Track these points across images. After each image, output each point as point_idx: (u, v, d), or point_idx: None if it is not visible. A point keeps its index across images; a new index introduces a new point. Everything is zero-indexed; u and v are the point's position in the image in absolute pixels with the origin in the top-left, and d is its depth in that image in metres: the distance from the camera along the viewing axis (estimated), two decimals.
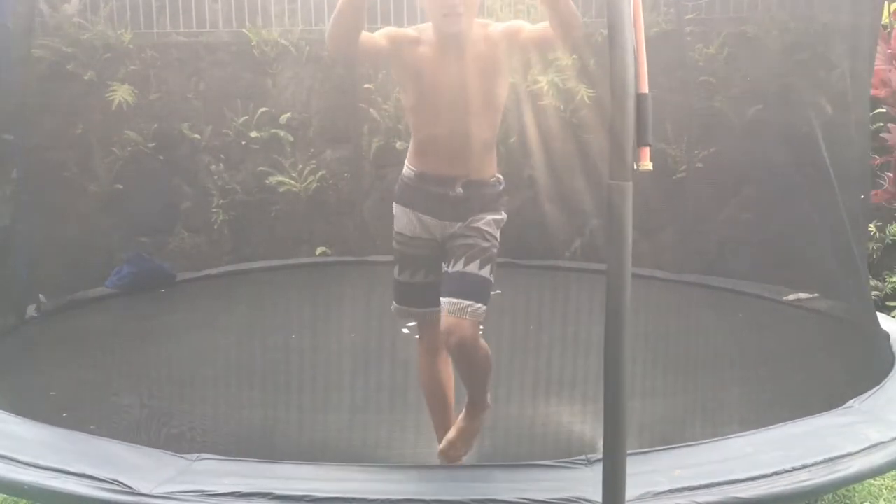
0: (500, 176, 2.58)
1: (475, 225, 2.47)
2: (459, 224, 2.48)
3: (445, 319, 2.38)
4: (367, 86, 6.05)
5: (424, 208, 2.52)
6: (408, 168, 2.57)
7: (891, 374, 2.99)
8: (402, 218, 2.58)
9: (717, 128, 5.66)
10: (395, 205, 2.63)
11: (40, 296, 4.54)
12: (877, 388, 2.86)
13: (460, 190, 2.47)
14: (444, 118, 2.43)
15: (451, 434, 2.59)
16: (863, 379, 2.95)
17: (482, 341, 2.46)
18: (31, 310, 4.43)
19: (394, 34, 2.45)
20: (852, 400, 2.75)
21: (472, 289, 2.39)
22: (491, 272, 2.44)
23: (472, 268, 2.41)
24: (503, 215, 2.55)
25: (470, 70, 2.40)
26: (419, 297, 2.59)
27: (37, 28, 5.24)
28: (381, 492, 2.15)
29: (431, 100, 2.44)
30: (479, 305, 2.38)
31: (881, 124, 4.97)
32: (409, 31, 2.49)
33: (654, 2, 5.87)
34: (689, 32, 5.70)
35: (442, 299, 2.41)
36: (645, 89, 1.80)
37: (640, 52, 1.81)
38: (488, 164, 2.53)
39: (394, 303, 2.66)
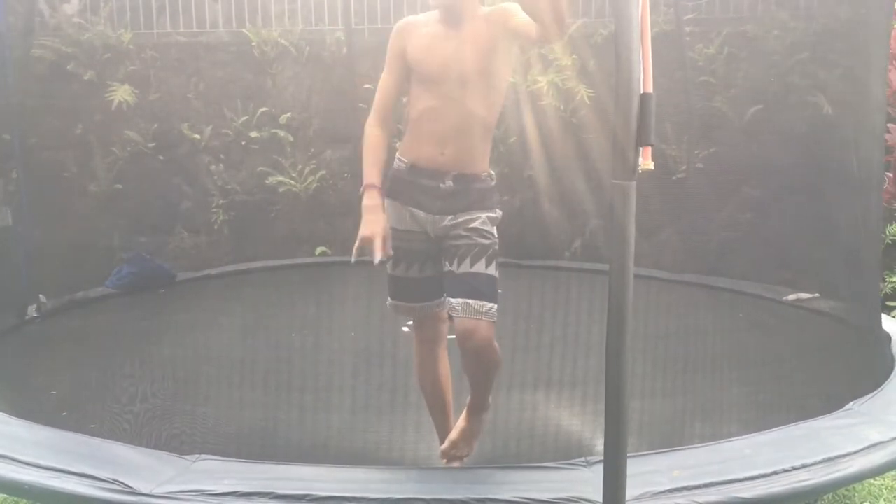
0: (492, 172, 2.55)
1: (471, 226, 2.44)
2: (449, 218, 2.45)
3: (463, 322, 2.35)
4: (367, 86, 6.04)
5: (414, 201, 2.49)
6: (399, 160, 2.54)
7: (890, 377, 2.98)
8: (393, 211, 2.54)
9: (717, 128, 5.66)
10: (385, 199, 2.57)
11: (40, 296, 4.54)
12: (876, 391, 2.85)
13: (450, 183, 2.44)
14: (444, 96, 2.41)
15: (454, 434, 2.58)
16: (862, 381, 2.94)
17: (495, 342, 2.43)
18: (31, 310, 4.43)
19: (399, 43, 2.48)
20: (851, 402, 2.74)
21: (484, 289, 2.38)
22: (496, 269, 2.43)
23: (480, 267, 2.39)
24: (498, 213, 2.52)
25: (470, 46, 2.39)
26: (415, 291, 2.56)
27: (37, 28, 5.24)
28: (381, 492, 2.15)
29: (432, 77, 2.43)
30: (493, 305, 2.37)
31: None
32: (418, 19, 2.53)
33: (654, 2, 5.86)
34: (689, 32, 5.70)
35: (452, 300, 2.39)
36: (649, 89, 1.80)
37: (646, 52, 1.81)
38: (480, 158, 2.50)
39: (389, 298, 2.63)
